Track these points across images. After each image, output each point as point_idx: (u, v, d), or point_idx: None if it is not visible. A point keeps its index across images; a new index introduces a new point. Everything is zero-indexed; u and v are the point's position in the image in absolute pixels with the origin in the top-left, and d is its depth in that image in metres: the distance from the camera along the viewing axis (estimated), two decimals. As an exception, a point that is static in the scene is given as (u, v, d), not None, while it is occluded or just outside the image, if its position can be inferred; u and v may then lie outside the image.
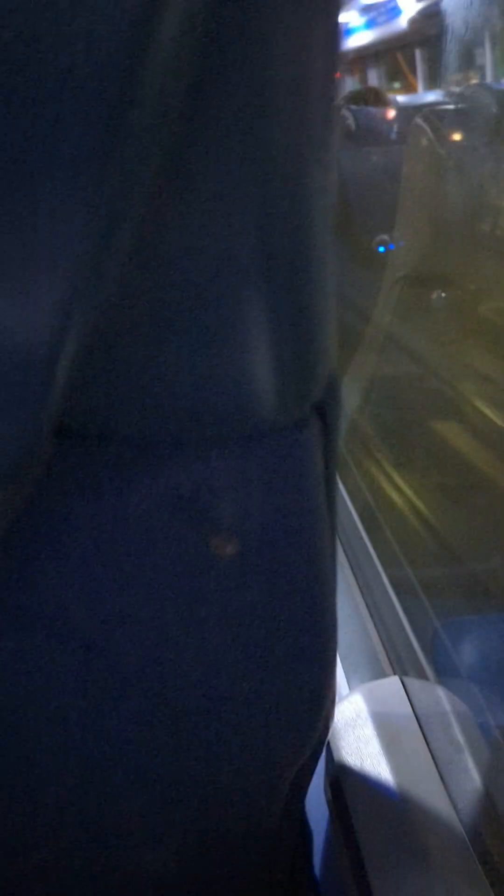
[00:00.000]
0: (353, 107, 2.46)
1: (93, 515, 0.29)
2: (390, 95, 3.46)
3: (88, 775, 0.33)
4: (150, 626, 0.31)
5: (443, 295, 1.25)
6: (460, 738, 0.64)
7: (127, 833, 0.35)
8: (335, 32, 0.28)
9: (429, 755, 0.61)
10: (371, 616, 0.80)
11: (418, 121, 1.28)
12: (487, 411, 1.32)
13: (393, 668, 0.75)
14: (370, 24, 4.19)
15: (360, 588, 0.83)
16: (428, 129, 1.24)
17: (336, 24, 0.28)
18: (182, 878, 0.39)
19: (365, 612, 0.80)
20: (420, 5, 3.51)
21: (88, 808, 0.34)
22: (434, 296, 1.26)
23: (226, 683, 0.33)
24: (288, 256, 0.28)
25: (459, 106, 1.39)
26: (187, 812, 0.36)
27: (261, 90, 0.25)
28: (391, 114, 2.52)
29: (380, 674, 0.74)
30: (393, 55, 4.05)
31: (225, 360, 0.28)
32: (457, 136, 1.33)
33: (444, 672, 0.86)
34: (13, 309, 0.20)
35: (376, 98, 2.70)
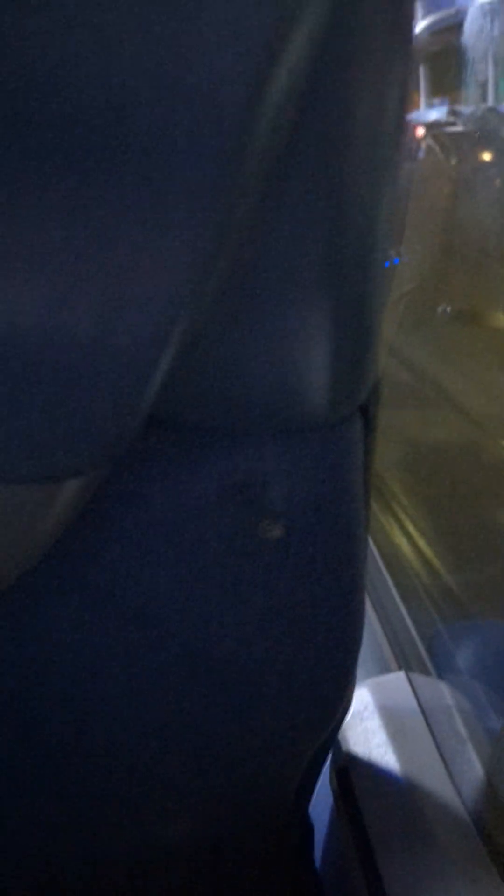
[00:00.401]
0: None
1: (152, 497, 0.32)
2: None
3: (132, 739, 0.35)
4: (199, 601, 0.33)
5: (447, 310, 1.27)
6: (463, 730, 0.67)
7: (157, 799, 0.37)
8: (409, 60, 0.30)
9: (433, 745, 0.64)
10: (378, 616, 0.82)
11: (429, 142, 1.31)
12: None
13: (399, 665, 0.77)
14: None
15: (367, 591, 0.86)
16: (438, 150, 1.27)
17: (410, 50, 0.30)
18: (197, 850, 0.41)
19: (371, 611, 0.83)
20: (425, 22, 3.55)
21: (128, 771, 0.36)
22: (439, 310, 1.28)
23: (261, 657, 0.35)
24: (354, 269, 0.30)
25: (469, 129, 1.41)
26: (214, 783, 0.38)
27: (345, 121, 0.27)
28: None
29: (385, 669, 0.77)
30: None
31: (288, 359, 0.30)
32: (467, 159, 1.35)
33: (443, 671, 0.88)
34: (130, 311, 0.23)
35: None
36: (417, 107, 3.79)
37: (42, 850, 0.38)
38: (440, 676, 0.85)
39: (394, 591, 0.88)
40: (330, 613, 0.36)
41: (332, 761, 0.67)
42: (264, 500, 0.32)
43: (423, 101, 3.73)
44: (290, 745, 0.40)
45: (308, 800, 0.51)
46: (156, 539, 0.32)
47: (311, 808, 0.65)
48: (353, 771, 0.65)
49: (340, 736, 0.68)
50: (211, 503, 0.32)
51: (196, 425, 0.31)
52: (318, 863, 0.69)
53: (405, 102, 0.30)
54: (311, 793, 0.50)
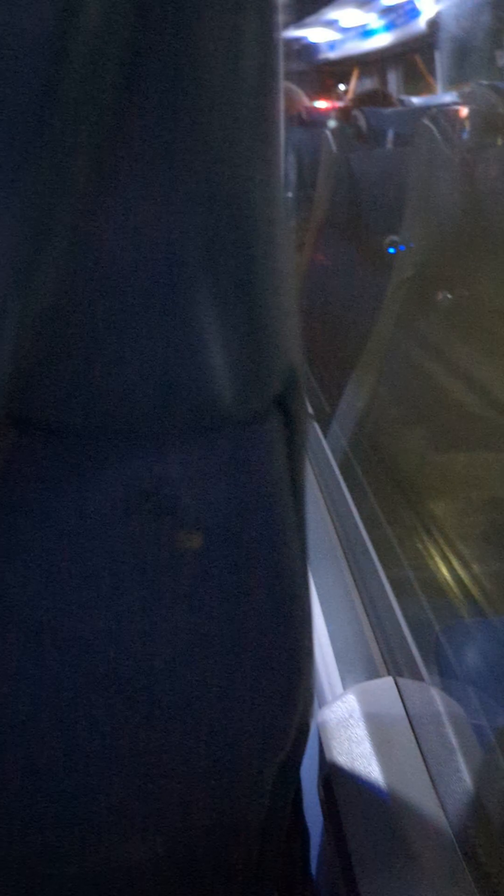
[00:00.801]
0: (366, 108, 2.47)
1: (55, 509, 0.29)
2: (407, 97, 3.46)
3: (64, 768, 0.33)
4: (117, 620, 0.31)
5: (448, 296, 1.23)
6: (452, 739, 0.64)
7: (108, 827, 0.36)
8: (270, 31, 0.28)
9: (420, 756, 0.61)
10: (367, 616, 0.79)
11: (424, 121, 1.28)
12: None
13: (388, 669, 0.74)
14: (389, 27, 4.18)
15: (357, 588, 0.83)
16: (434, 130, 1.24)
17: (271, 23, 0.28)
18: (171, 871, 0.39)
19: (362, 611, 0.80)
20: (439, 7, 3.49)
21: (67, 804, 0.34)
22: (440, 297, 1.24)
23: (194, 677, 0.33)
24: (232, 249, 0.28)
25: (467, 106, 1.38)
26: (168, 805, 0.36)
27: (191, 86, 0.25)
28: (403, 115, 2.52)
29: (374, 674, 0.74)
30: (411, 57, 4.04)
31: (176, 354, 0.28)
32: (463, 136, 1.32)
33: (448, 676, 0.85)
34: None
35: (384, 99, 2.73)
36: (434, 91, 3.76)
37: None
38: (445, 681, 0.82)
39: (388, 589, 0.85)
40: (265, 626, 0.33)
41: (319, 769, 0.65)
42: (174, 509, 0.30)
43: (439, 85, 3.68)
44: (244, 765, 0.38)
45: (286, 813, 0.49)
46: (60, 552, 0.30)
47: (306, 815, 0.63)
48: (336, 782, 0.62)
49: (325, 744, 0.65)
50: (117, 512, 0.29)
51: (93, 432, 0.29)
52: (313, 870, 0.67)
53: (272, 81, 0.28)
54: (287, 807, 0.48)
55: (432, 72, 3.84)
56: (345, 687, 0.72)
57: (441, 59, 3.74)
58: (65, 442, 0.29)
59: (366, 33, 4.39)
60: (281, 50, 0.28)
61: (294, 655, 0.36)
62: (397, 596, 0.81)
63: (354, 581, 0.84)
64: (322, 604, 0.79)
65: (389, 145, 2.28)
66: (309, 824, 0.63)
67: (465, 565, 1.03)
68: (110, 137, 0.23)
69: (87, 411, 0.28)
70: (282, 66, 0.29)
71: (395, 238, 1.53)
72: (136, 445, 0.29)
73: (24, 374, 0.25)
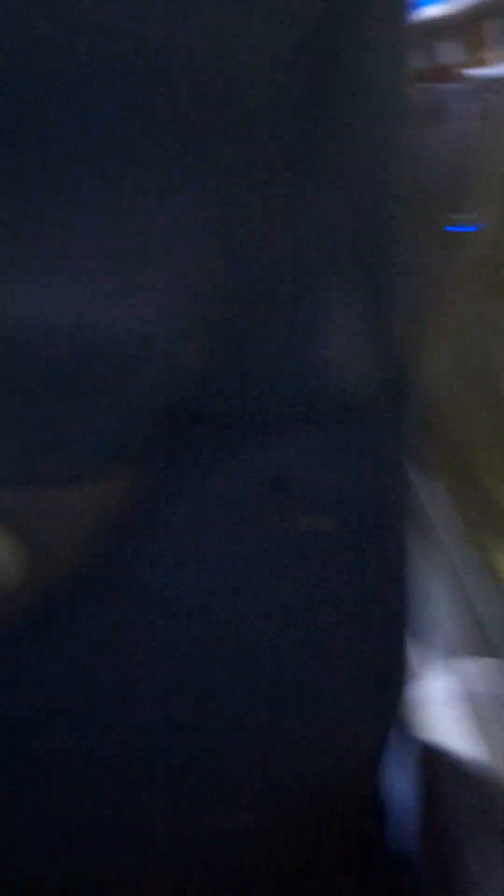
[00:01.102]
0: (426, 84, 2.42)
1: (192, 492, 0.32)
2: (468, 70, 3.38)
3: (200, 739, 0.36)
4: (245, 600, 0.33)
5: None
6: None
7: (226, 795, 0.38)
8: (404, 38, 0.29)
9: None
10: (462, 594, 0.80)
11: (489, 94, 1.25)
12: None
13: (484, 648, 0.74)
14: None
15: (452, 569, 0.83)
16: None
17: (405, 32, 0.29)
18: (271, 842, 0.41)
19: (458, 592, 0.80)
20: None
21: (198, 770, 0.36)
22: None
23: (309, 653, 0.35)
24: (366, 249, 0.30)
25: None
26: (278, 775, 0.38)
27: (342, 108, 0.27)
28: (464, 90, 2.47)
29: (469, 653, 0.74)
30: (473, 26, 3.95)
31: (303, 347, 0.30)
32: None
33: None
34: (110, 304, 0.22)
35: (444, 74, 2.68)
36: (485, 64, 3.67)
37: (112, 843, 0.38)
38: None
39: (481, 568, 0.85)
40: (378, 607, 0.35)
41: (415, 748, 0.66)
42: (298, 493, 0.32)
43: None
44: (352, 741, 0.40)
45: (380, 791, 0.51)
46: (197, 537, 0.32)
47: (401, 794, 0.64)
48: (434, 760, 0.63)
49: (421, 722, 0.66)
50: (250, 498, 0.32)
51: (222, 419, 0.31)
52: (408, 849, 0.68)
53: (404, 89, 0.29)
54: (383, 784, 0.50)
55: (493, 41, 3.74)
56: (439, 665, 0.72)
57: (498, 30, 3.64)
58: (207, 430, 0.31)
59: (420, 2, 4.31)
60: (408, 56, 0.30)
61: (401, 636, 0.37)
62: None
63: (449, 562, 0.84)
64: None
65: (453, 123, 2.24)
66: (402, 802, 0.63)
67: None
68: (281, 156, 0.25)
69: (220, 401, 0.30)
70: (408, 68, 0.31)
71: (460, 217, 1.50)
72: (262, 434, 0.31)
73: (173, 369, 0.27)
